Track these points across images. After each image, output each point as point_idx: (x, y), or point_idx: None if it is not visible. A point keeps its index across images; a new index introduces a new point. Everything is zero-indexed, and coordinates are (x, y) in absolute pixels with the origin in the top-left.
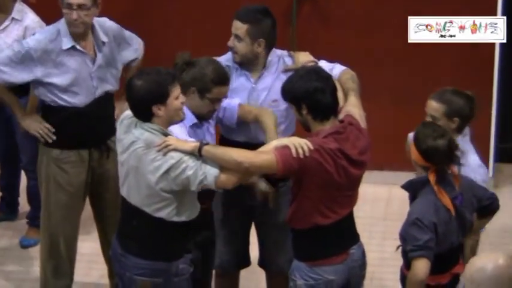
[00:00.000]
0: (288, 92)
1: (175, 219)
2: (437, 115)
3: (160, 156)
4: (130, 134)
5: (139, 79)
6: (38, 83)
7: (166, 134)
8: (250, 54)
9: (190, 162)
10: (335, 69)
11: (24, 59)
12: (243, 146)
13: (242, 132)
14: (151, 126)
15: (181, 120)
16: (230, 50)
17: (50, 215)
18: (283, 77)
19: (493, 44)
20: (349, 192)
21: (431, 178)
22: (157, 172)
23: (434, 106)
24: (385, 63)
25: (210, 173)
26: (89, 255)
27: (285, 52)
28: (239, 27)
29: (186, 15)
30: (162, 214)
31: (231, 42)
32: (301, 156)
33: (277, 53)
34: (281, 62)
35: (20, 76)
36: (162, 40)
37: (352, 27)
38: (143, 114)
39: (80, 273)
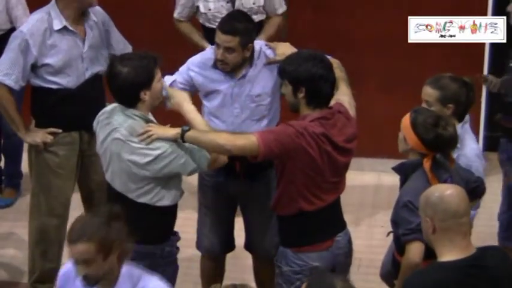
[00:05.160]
0: (289, 73)
1: (159, 204)
2: (431, 100)
3: (146, 145)
4: (113, 120)
5: (123, 66)
6: (31, 66)
7: (148, 120)
8: (240, 62)
9: (179, 151)
10: None
11: (23, 47)
12: None
13: (225, 125)
14: (134, 112)
15: (158, 103)
16: (218, 61)
17: (40, 197)
18: (266, 70)
19: None
20: (334, 178)
21: (427, 165)
22: (142, 160)
23: (428, 92)
24: (375, 50)
25: (202, 161)
26: None
27: (262, 43)
28: (230, 40)
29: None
30: (145, 199)
31: (220, 55)
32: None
33: (255, 46)
34: (262, 55)
35: (27, 68)
36: (148, 25)
37: (343, 13)
38: (129, 100)
39: (67, 256)
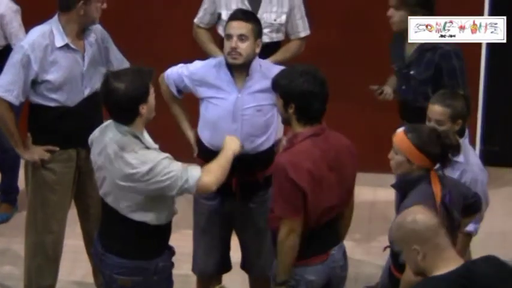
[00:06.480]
0: (281, 88)
1: (151, 222)
2: (443, 119)
3: (136, 160)
4: (105, 136)
5: (119, 82)
6: (31, 82)
7: (136, 136)
8: (251, 56)
9: (172, 167)
10: None
11: (24, 62)
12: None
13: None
14: (124, 128)
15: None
16: (229, 54)
17: (36, 214)
18: (267, 86)
19: (479, 46)
20: (333, 202)
21: (435, 178)
22: (133, 176)
23: (439, 110)
24: (367, 64)
25: (191, 182)
26: (73, 253)
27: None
28: (243, 26)
29: (172, 13)
30: (137, 217)
31: (234, 43)
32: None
33: (258, 59)
34: (262, 69)
35: (28, 83)
36: (146, 40)
37: (335, 27)
38: (128, 115)
39: (63, 272)
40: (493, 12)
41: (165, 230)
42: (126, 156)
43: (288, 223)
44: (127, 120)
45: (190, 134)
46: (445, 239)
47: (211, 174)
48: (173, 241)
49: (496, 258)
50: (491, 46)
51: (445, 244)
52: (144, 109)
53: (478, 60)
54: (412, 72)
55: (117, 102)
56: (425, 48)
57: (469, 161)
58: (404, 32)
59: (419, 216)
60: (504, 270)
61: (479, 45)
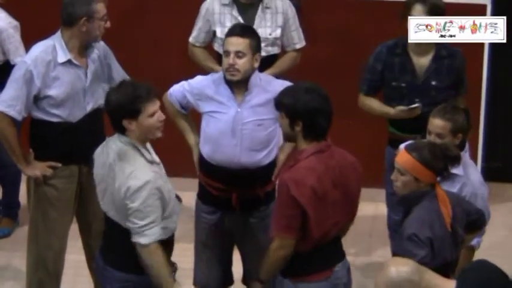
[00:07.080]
0: (287, 106)
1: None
2: (444, 132)
3: (134, 174)
4: (108, 147)
5: (116, 92)
6: (33, 97)
7: (136, 147)
8: (249, 71)
9: (153, 211)
10: None
11: (27, 78)
12: (225, 170)
13: (222, 153)
14: (124, 138)
15: (156, 138)
16: (227, 70)
17: (38, 229)
18: (268, 100)
19: (481, 60)
20: (336, 218)
21: (442, 191)
22: (129, 188)
23: (440, 124)
24: None
25: (149, 236)
26: (75, 267)
27: (261, 74)
28: (240, 42)
29: (171, 32)
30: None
31: (232, 60)
32: None
33: (257, 73)
34: (263, 83)
35: (30, 99)
36: (146, 58)
37: (334, 42)
38: (116, 126)
39: (65, 286)
40: (493, 12)
41: (168, 244)
42: (124, 165)
43: (279, 240)
44: (118, 130)
45: (195, 151)
46: (429, 271)
47: (151, 259)
48: (174, 256)
49: (486, 262)
50: (493, 47)
51: (432, 275)
52: (131, 125)
53: (479, 78)
54: (433, 83)
55: (107, 112)
56: (441, 55)
57: (469, 174)
58: (417, 47)
59: (397, 265)
60: (495, 271)
61: (481, 46)
